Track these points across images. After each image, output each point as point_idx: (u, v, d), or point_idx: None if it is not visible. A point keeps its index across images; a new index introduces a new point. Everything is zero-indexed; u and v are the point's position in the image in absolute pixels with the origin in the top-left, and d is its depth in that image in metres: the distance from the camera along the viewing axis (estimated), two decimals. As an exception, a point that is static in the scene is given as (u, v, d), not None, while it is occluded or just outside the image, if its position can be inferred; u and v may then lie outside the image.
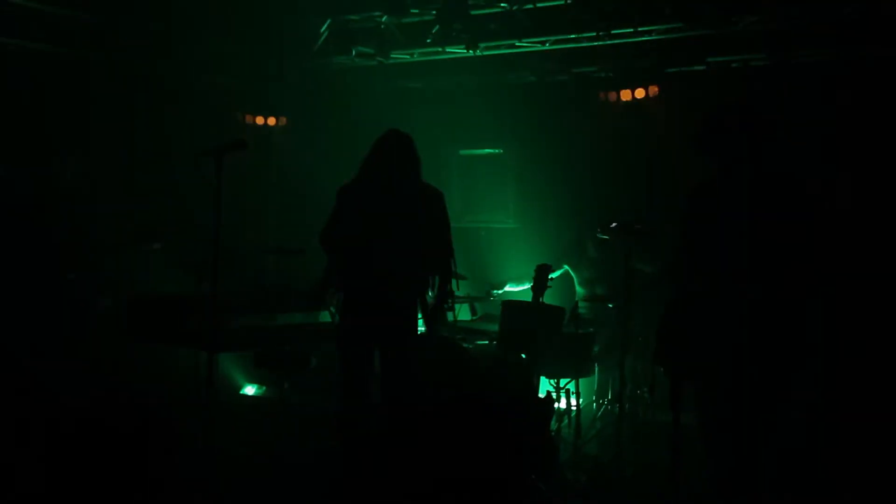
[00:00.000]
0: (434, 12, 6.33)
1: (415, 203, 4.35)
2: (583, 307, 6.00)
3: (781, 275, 3.31)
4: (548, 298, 5.31)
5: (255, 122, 7.94)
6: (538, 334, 5.16)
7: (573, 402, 5.58)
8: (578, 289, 6.48)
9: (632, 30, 5.88)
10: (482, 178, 7.54)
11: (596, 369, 6.03)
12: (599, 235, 5.85)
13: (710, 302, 3.44)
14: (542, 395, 4.84)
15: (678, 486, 3.86)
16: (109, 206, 6.53)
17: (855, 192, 5.35)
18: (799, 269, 3.32)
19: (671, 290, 3.68)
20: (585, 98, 7.04)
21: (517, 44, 6.42)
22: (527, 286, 5.44)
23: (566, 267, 6.51)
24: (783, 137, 3.80)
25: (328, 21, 6.96)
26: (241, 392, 6.76)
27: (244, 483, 4.58)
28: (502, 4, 6.18)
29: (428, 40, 6.60)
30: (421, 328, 4.72)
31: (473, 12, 6.24)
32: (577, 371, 5.57)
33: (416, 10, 6.42)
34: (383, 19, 6.62)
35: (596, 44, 6.14)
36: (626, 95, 6.69)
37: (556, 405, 5.12)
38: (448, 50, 6.68)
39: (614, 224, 5.46)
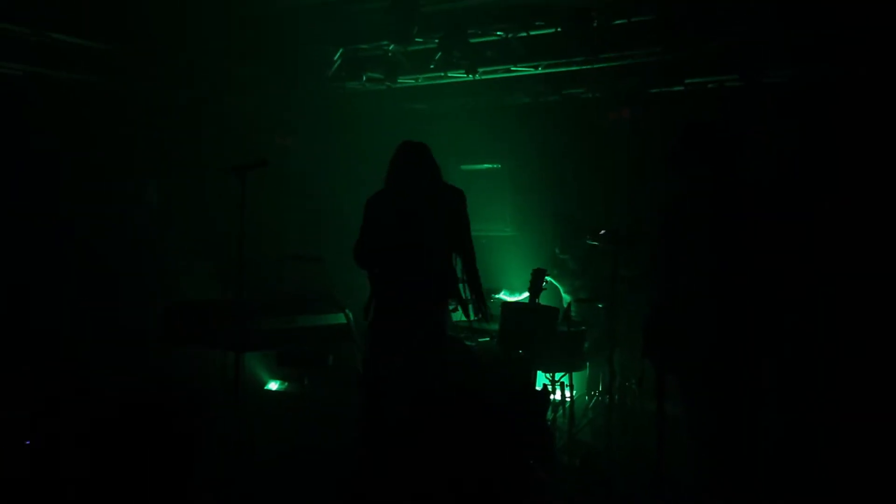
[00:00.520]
0: (436, 41, 6.31)
1: (440, 205, 4.18)
2: (575, 308, 5.98)
3: (745, 277, 3.32)
4: (543, 300, 5.31)
5: (274, 141, 7.94)
6: (535, 333, 5.18)
7: (567, 393, 5.57)
8: (565, 296, 6.49)
9: (616, 54, 5.86)
10: (482, 191, 7.50)
11: (587, 364, 6.02)
12: (589, 241, 5.85)
13: (684, 303, 3.46)
14: (538, 387, 4.85)
15: (663, 468, 3.90)
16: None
17: (819, 200, 5.34)
18: (762, 273, 3.33)
19: (650, 292, 3.70)
20: (574, 117, 7.03)
21: (512, 69, 6.40)
22: (518, 297, 5.43)
23: (549, 278, 6.51)
24: (753, 151, 3.81)
25: (340, 50, 6.92)
26: (266, 388, 6.72)
27: (268, 470, 4.58)
28: (498, 33, 6.17)
29: (431, 66, 6.58)
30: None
31: (472, 40, 6.23)
32: (570, 366, 5.56)
33: (420, 39, 6.37)
34: (391, 48, 6.58)
35: (584, 67, 6.11)
36: (612, 115, 6.71)
37: (551, 397, 5.13)
38: (450, 75, 6.66)
39: (603, 231, 5.47)
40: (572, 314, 5.77)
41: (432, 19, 6.12)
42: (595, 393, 6.17)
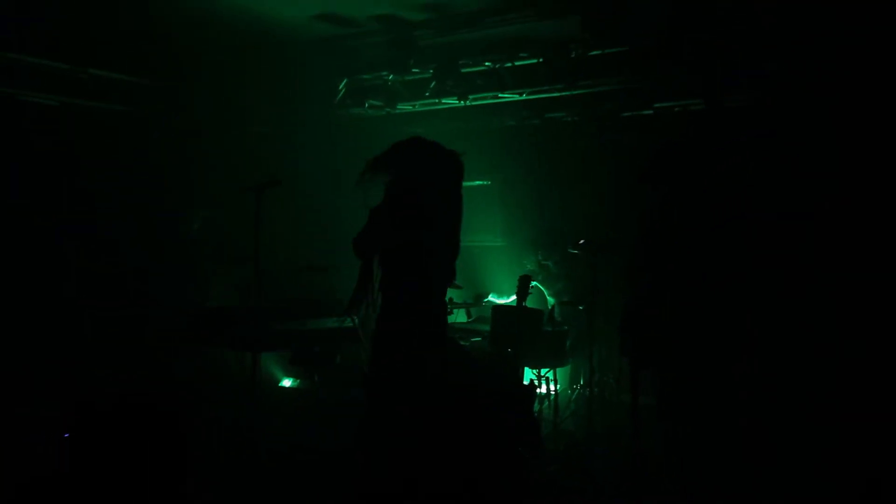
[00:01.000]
0: (431, 71, 6.37)
1: (454, 203, 3.90)
2: (558, 310, 6.02)
3: (712, 282, 3.31)
4: (529, 303, 5.33)
5: (287, 162, 7.93)
6: (522, 333, 5.14)
7: (552, 387, 5.60)
8: (549, 299, 6.51)
9: (591, 82, 5.88)
10: (473, 205, 7.40)
11: (570, 360, 6.04)
12: (571, 250, 5.87)
13: (657, 306, 3.46)
14: (526, 382, 4.86)
15: (637, 453, 3.91)
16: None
17: (777, 211, 5.37)
18: (726, 277, 3.32)
19: (626, 296, 3.69)
20: (556, 138, 7.01)
21: (500, 95, 6.43)
22: (506, 299, 5.44)
23: (535, 283, 6.53)
24: (714, 168, 3.81)
25: (345, 80, 6.98)
26: (280, 384, 6.74)
27: (282, 458, 4.59)
28: (487, 64, 6.21)
29: (427, 94, 6.61)
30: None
31: (463, 70, 6.28)
32: (554, 362, 5.60)
33: (417, 70, 6.44)
34: (390, 78, 6.64)
35: (563, 94, 6.13)
36: (590, 136, 6.71)
37: (538, 390, 5.13)
38: (443, 101, 6.67)
39: (582, 241, 5.50)
40: (556, 316, 5.81)
41: (427, 52, 6.18)
42: (577, 387, 6.19)
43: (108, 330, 5.84)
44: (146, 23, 5.74)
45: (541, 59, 5.91)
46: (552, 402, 5.42)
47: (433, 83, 6.47)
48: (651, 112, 6.32)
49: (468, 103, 6.58)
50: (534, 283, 5.68)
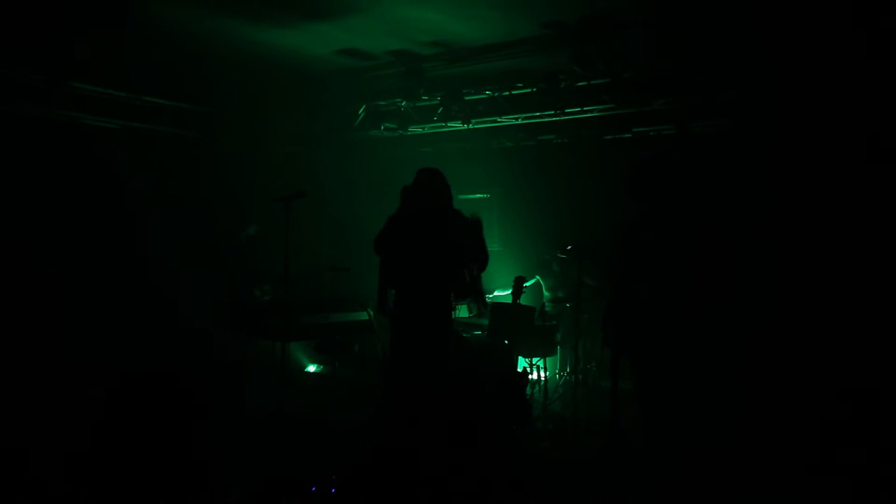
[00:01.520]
0: (439, 98, 6.43)
1: (446, 224, 3.93)
2: (548, 307, 6.06)
3: (680, 286, 3.34)
4: (523, 301, 5.38)
5: (311, 177, 7.98)
6: (517, 326, 5.21)
7: (542, 374, 5.64)
8: (546, 293, 6.55)
9: (579, 109, 5.93)
10: None
11: (558, 350, 6.07)
12: (559, 255, 5.93)
13: (632, 305, 3.49)
14: (520, 369, 4.88)
15: (616, 431, 3.91)
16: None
17: (740, 224, 5.39)
18: (693, 282, 3.34)
19: (607, 295, 3.72)
20: (547, 157, 7.03)
21: (499, 120, 6.45)
22: (508, 292, 5.50)
23: (537, 277, 6.60)
24: (685, 186, 3.83)
25: (364, 106, 7.04)
26: (306, 370, 6.79)
27: (307, 433, 4.65)
28: (487, 92, 6.28)
29: (435, 118, 6.66)
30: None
31: (467, 98, 6.34)
32: (544, 351, 5.62)
33: (426, 97, 6.50)
34: (403, 104, 6.68)
35: (554, 119, 6.15)
36: (578, 156, 6.74)
37: (530, 376, 5.14)
38: (449, 124, 6.71)
39: (570, 247, 5.53)
40: (547, 311, 5.86)
41: (436, 82, 6.24)
42: (564, 373, 6.21)
43: (170, 322, 5.96)
44: (194, 56, 5.84)
45: (534, 89, 5.96)
46: (542, 386, 5.45)
47: (440, 109, 6.54)
48: (630, 135, 6.34)
49: (471, 126, 6.61)
50: (528, 283, 5.74)
